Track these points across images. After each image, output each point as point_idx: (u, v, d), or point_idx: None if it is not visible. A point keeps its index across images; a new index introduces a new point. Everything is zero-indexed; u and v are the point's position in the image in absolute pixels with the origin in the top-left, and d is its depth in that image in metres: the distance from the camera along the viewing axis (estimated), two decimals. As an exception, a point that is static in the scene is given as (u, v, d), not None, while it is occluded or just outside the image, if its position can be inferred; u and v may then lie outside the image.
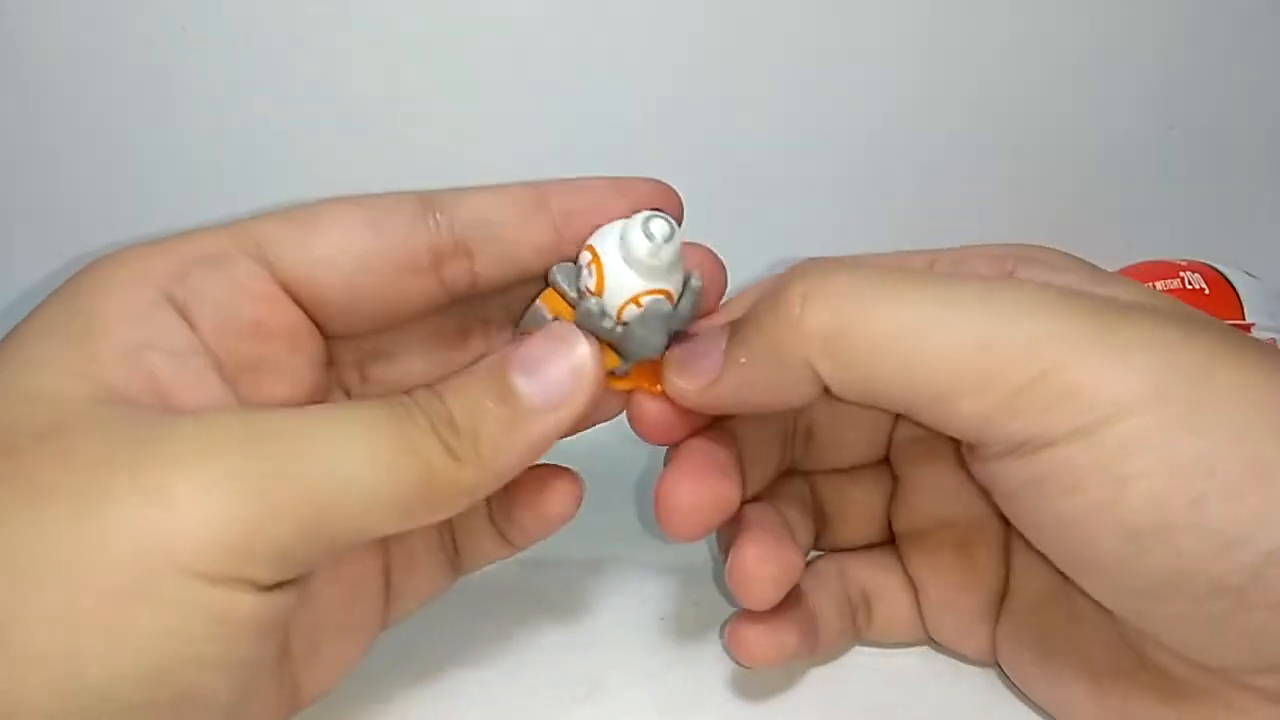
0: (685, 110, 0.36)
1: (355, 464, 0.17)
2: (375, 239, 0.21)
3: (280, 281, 0.20)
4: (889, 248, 0.24)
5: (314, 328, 0.21)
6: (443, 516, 0.19)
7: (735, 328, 0.21)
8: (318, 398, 0.22)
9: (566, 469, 0.24)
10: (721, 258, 0.24)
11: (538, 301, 0.22)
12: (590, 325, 0.21)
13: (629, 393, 0.23)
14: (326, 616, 0.22)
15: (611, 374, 0.22)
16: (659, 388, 0.22)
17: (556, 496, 0.24)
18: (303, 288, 0.21)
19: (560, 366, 0.20)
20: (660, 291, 0.21)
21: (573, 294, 0.22)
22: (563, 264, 0.22)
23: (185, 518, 0.16)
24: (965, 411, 0.19)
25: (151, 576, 0.16)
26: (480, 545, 0.25)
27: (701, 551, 0.30)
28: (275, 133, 0.35)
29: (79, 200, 0.35)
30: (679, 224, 0.22)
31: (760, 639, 0.24)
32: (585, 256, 0.22)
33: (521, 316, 0.23)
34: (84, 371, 0.18)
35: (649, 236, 0.21)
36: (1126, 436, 0.18)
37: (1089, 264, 0.23)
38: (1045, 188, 0.39)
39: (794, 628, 0.24)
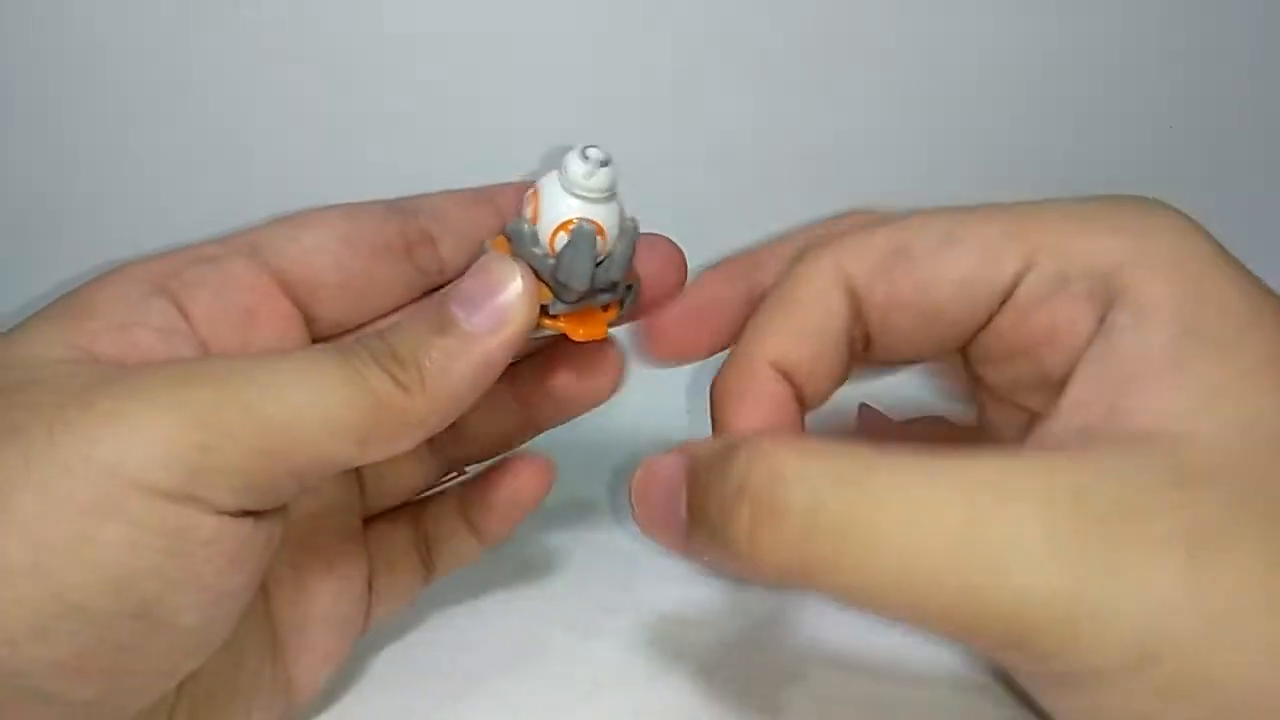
0: (685, 110, 0.36)
1: (305, 392, 0.19)
2: (353, 226, 0.23)
3: (273, 272, 0.22)
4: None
5: (303, 324, 0.23)
6: (400, 448, 0.20)
7: (691, 513, 0.20)
8: None
9: (538, 454, 0.25)
10: (683, 249, 0.25)
11: (486, 243, 0.23)
12: (522, 250, 0.22)
13: (560, 336, 0.23)
14: (315, 606, 0.24)
15: (544, 310, 0.22)
16: (583, 334, 0.23)
17: (528, 475, 0.25)
18: (295, 274, 0.22)
19: (492, 289, 0.21)
20: (591, 222, 0.22)
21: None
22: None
23: (140, 437, 0.17)
24: (959, 643, 0.19)
25: (113, 492, 0.17)
26: (452, 541, 0.26)
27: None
28: (279, 139, 0.35)
29: (88, 205, 0.36)
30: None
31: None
32: (529, 191, 0.22)
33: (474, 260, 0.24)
34: (69, 341, 0.19)
35: (584, 158, 0.21)
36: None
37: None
38: (1045, 187, 0.39)
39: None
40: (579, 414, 0.27)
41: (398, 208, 0.24)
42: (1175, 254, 0.20)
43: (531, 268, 0.21)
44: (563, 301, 0.22)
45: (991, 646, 0.18)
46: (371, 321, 0.24)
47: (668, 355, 0.26)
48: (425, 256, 0.24)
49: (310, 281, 0.23)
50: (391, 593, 0.25)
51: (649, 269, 0.24)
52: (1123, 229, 0.20)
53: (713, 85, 0.36)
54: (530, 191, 0.22)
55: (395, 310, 0.24)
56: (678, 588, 0.28)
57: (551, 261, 0.22)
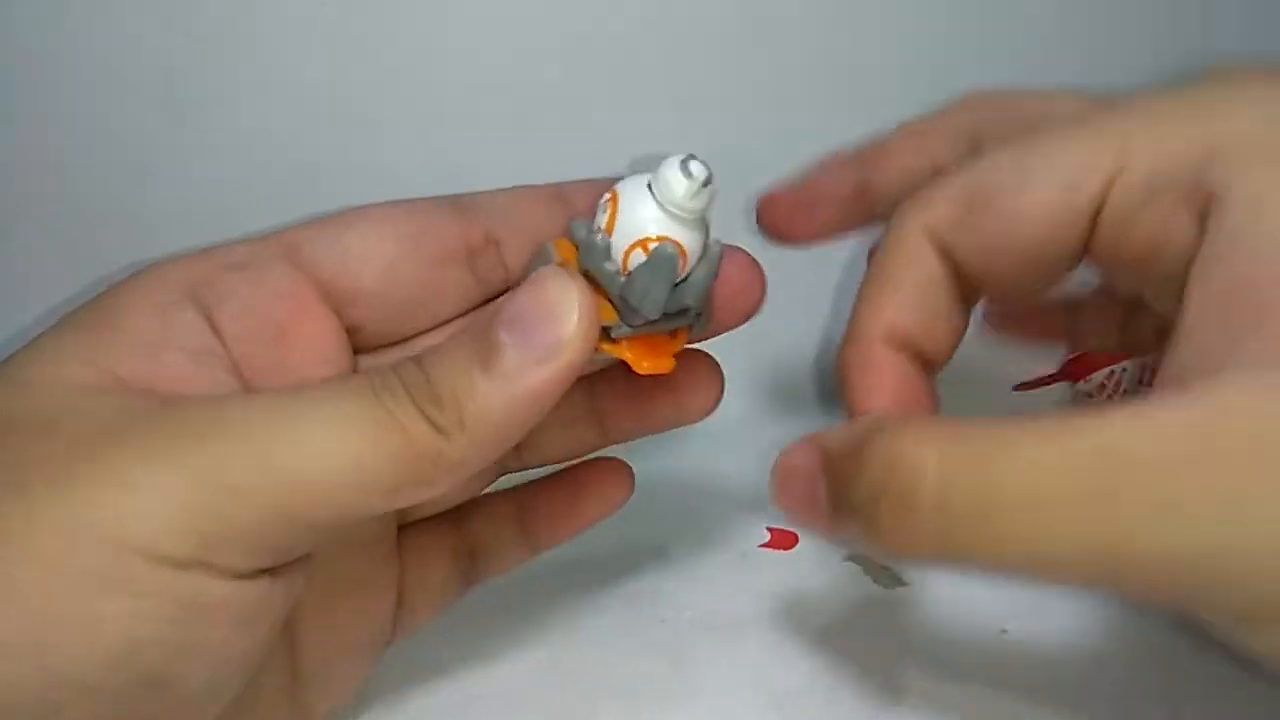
0: (684, 110, 0.36)
1: (328, 440, 0.17)
2: (405, 227, 0.21)
3: (314, 281, 0.20)
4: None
5: (344, 337, 0.21)
6: (434, 493, 0.18)
7: (834, 503, 0.19)
8: None
9: (614, 458, 0.24)
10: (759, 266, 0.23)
11: (548, 245, 0.20)
12: (592, 265, 0.19)
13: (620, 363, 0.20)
14: (342, 635, 0.22)
15: (606, 333, 0.19)
16: (648, 367, 0.20)
17: (609, 482, 0.24)
18: (338, 284, 0.20)
19: (548, 315, 0.18)
20: (675, 243, 0.19)
21: (582, 234, 0.20)
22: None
23: (144, 502, 0.16)
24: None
25: (116, 561, 0.15)
26: (502, 549, 0.24)
27: (710, 556, 0.30)
28: (286, 138, 0.35)
29: (96, 208, 0.35)
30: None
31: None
32: (605, 196, 0.20)
33: (530, 263, 0.21)
34: (93, 360, 0.18)
35: (687, 173, 0.19)
36: None
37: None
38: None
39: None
40: (665, 430, 0.24)
41: (459, 205, 0.21)
42: (1272, 135, 0.17)
43: (596, 283, 0.19)
44: (628, 325, 0.20)
45: (1156, 601, 0.18)
46: (424, 333, 0.22)
47: (777, 238, 0.26)
48: (487, 264, 0.22)
49: (353, 290, 0.20)
50: (423, 606, 0.24)
51: (723, 290, 0.22)
52: (1206, 116, 0.18)
53: (714, 84, 0.36)
54: (608, 196, 0.19)
55: (450, 321, 0.22)
56: (687, 593, 0.28)
57: (622, 280, 0.19)
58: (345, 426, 0.17)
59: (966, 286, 0.22)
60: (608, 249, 0.19)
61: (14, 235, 0.34)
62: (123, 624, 0.16)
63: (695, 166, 0.19)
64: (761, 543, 0.31)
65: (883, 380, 0.21)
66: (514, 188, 0.22)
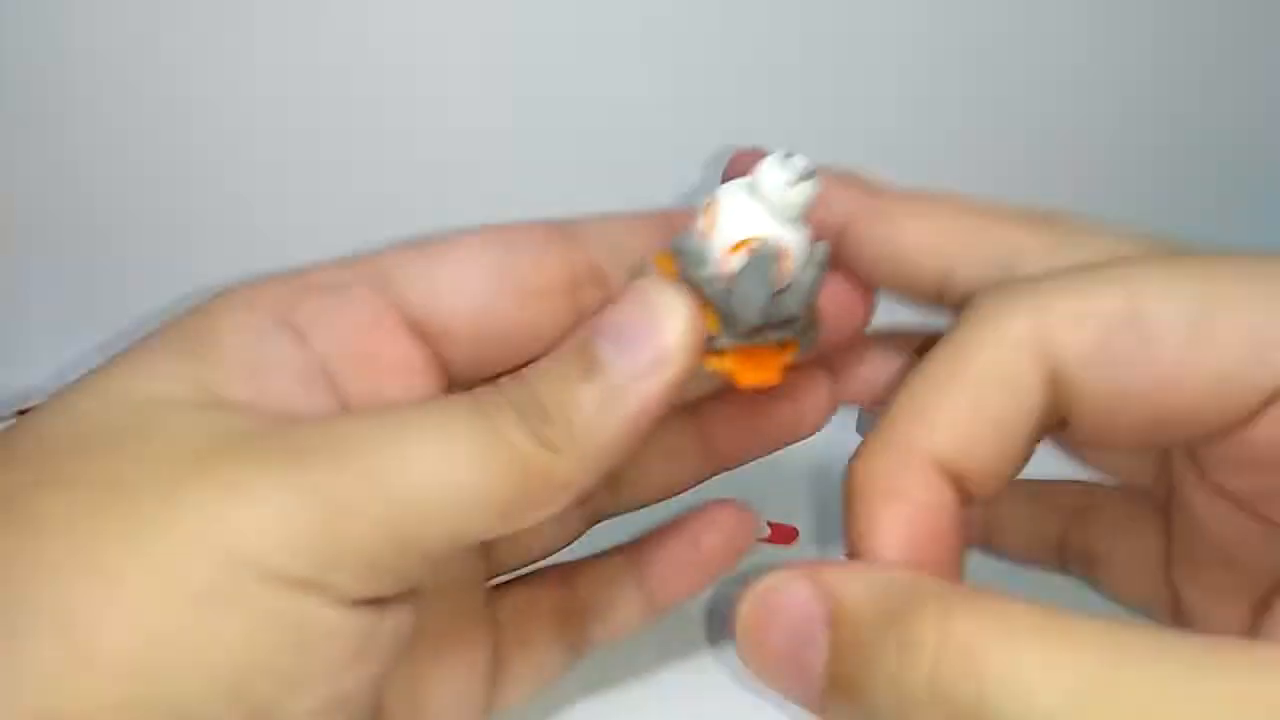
0: (684, 110, 0.36)
1: (438, 460, 0.16)
2: (506, 260, 0.19)
3: (405, 312, 0.19)
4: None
5: (437, 365, 0.20)
6: (545, 514, 0.17)
7: (836, 681, 0.15)
8: None
9: (729, 500, 0.22)
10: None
11: (649, 260, 0.19)
12: (689, 271, 0.18)
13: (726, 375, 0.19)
14: (431, 700, 0.20)
15: (710, 343, 0.18)
16: (753, 379, 0.19)
17: (731, 525, 0.22)
18: (429, 316, 0.19)
19: (651, 324, 0.17)
20: (775, 243, 0.18)
21: (680, 243, 0.19)
22: None
23: (259, 516, 0.15)
24: None
25: (233, 578, 0.15)
26: (616, 609, 0.23)
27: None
28: (286, 139, 0.35)
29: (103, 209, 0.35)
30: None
31: None
32: (704, 202, 0.19)
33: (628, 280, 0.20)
34: (194, 378, 0.17)
35: (786, 166, 0.18)
36: None
37: None
38: (1044, 187, 0.39)
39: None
40: (772, 451, 0.23)
41: (563, 233, 0.20)
42: None
43: (699, 291, 0.18)
44: (730, 335, 0.18)
45: None
46: (517, 363, 0.20)
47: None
48: (592, 297, 0.20)
49: (444, 327, 0.19)
50: (525, 674, 0.22)
51: (827, 305, 0.20)
52: None
53: (715, 85, 0.36)
54: (707, 202, 0.19)
55: (546, 351, 0.21)
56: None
57: (723, 286, 0.18)
58: (452, 444, 0.16)
59: (1050, 424, 0.18)
60: (705, 253, 0.18)
61: (13, 235, 0.34)
62: (235, 647, 0.15)
63: (797, 159, 0.18)
64: (761, 537, 0.31)
65: (915, 516, 0.17)
66: (621, 214, 0.21)
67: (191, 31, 0.33)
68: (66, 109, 0.34)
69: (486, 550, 0.22)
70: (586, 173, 0.35)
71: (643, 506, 0.23)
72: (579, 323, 0.19)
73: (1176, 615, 0.21)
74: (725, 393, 0.22)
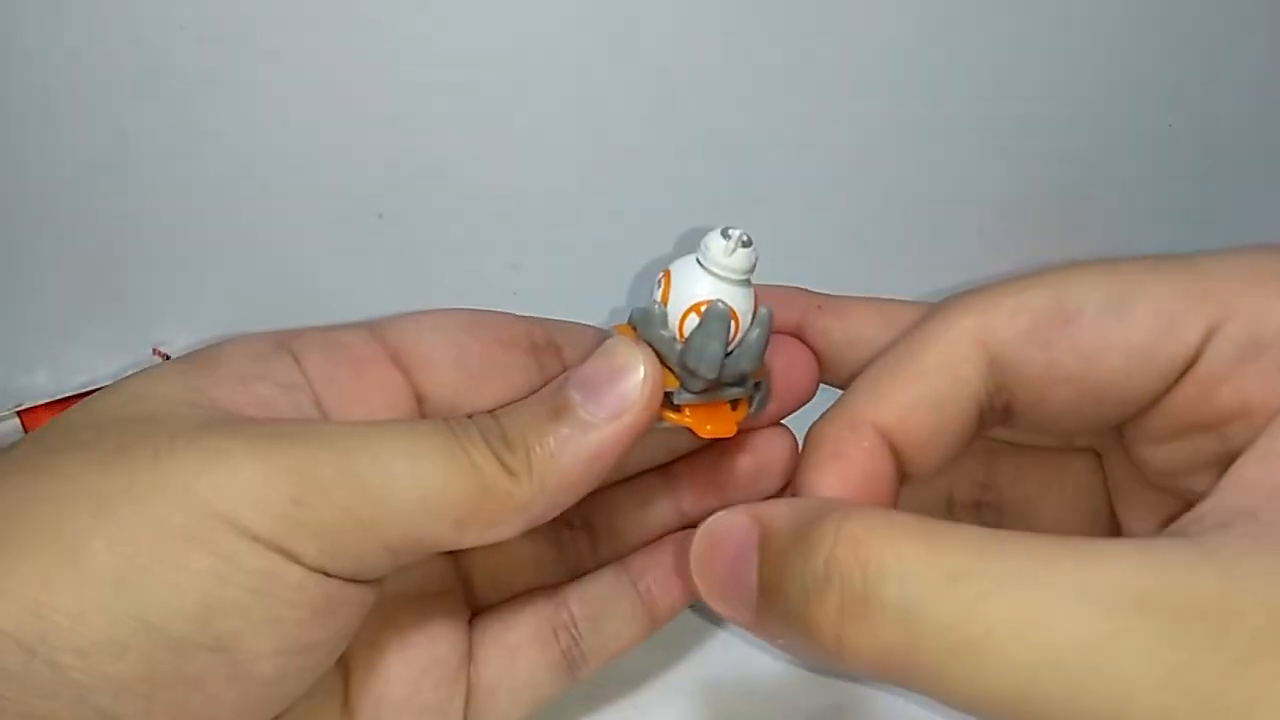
0: (685, 108, 0.36)
1: (405, 462, 0.18)
2: (479, 316, 0.23)
3: (390, 346, 0.22)
4: (887, 247, 0.24)
5: (414, 397, 0.22)
6: (500, 535, 0.19)
7: (763, 590, 0.17)
8: None
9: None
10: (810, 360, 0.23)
11: (611, 328, 0.22)
12: (649, 334, 0.20)
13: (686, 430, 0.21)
14: (391, 689, 0.22)
15: (668, 399, 0.20)
16: (711, 431, 0.21)
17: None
18: (409, 350, 0.22)
19: (615, 374, 0.19)
20: (724, 303, 0.20)
21: (640, 309, 0.21)
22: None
23: (238, 477, 0.17)
24: None
25: (206, 524, 0.17)
26: (612, 621, 0.24)
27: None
28: (286, 139, 0.35)
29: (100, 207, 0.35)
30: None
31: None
32: (659, 275, 0.21)
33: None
34: (194, 385, 0.19)
35: (725, 236, 0.20)
36: None
37: None
38: (1044, 187, 0.39)
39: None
40: (745, 498, 0.24)
41: (526, 317, 0.23)
42: None
43: (658, 353, 0.20)
44: (689, 391, 0.21)
45: None
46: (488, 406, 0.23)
47: None
48: (549, 360, 0.23)
49: (423, 357, 0.22)
50: (517, 688, 0.23)
51: (775, 369, 0.22)
52: None
53: (715, 84, 0.36)
54: (661, 274, 0.21)
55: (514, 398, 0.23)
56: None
57: (680, 346, 0.20)
58: (420, 457, 0.18)
59: (999, 408, 0.20)
60: (664, 317, 0.20)
61: (13, 235, 0.34)
62: (205, 580, 0.17)
63: (734, 230, 0.20)
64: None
65: (853, 473, 0.19)
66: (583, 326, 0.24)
67: (192, 32, 0.33)
68: (67, 109, 0.34)
69: (464, 576, 0.24)
70: (583, 178, 0.35)
71: (618, 558, 0.25)
72: (540, 379, 0.22)
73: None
74: (694, 452, 0.24)
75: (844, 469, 0.20)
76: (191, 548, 0.17)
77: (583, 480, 0.19)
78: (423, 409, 0.22)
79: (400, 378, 0.21)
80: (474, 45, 0.35)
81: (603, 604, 0.24)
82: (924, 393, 0.20)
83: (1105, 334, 0.19)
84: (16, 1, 0.32)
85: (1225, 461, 0.18)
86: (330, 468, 0.18)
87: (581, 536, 0.25)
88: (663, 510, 0.25)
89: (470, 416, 0.20)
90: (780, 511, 0.18)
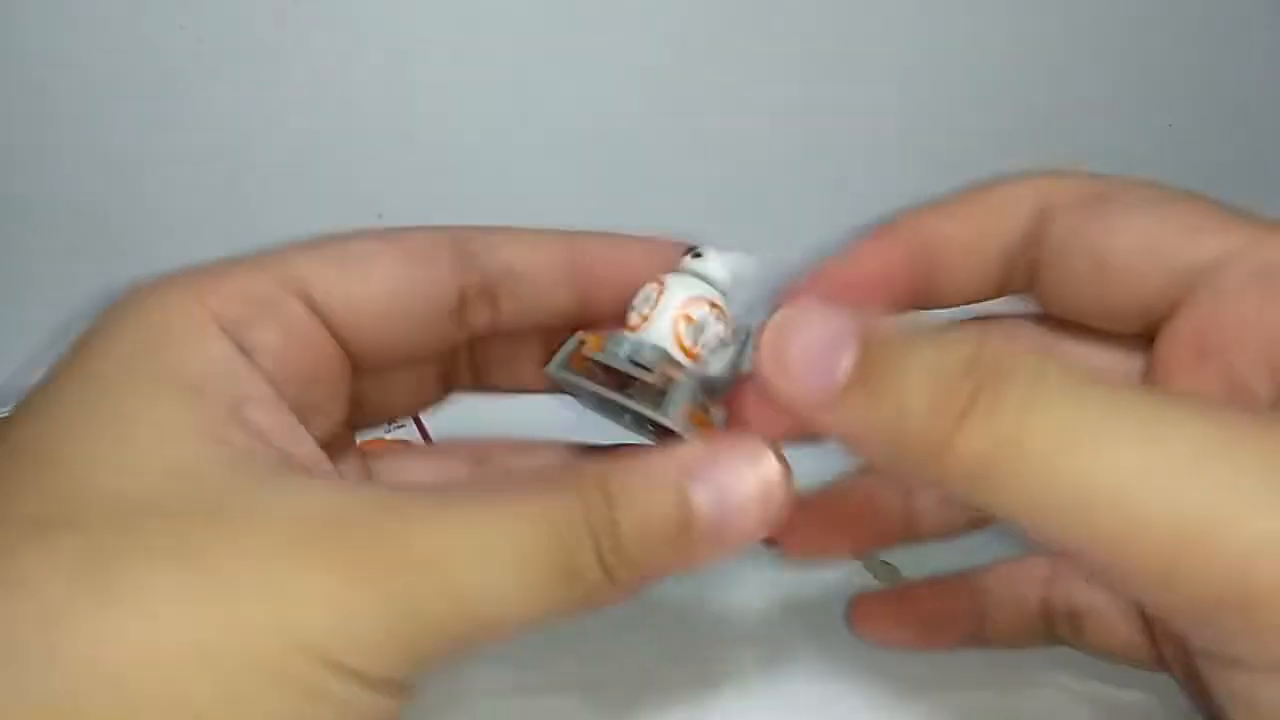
0: (682, 108, 0.36)
1: (507, 579, 0.17)
2: (413, 287, 0.21)
3: (324, 318, 0.20)
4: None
5: (349, 368, 0.21)
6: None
7: (863, 378, 0.17)
8: (343, 430, 0.22)
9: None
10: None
11: (581, 335, 0.21)
12: (628, 354, 0.20)
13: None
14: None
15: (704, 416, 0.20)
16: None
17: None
18: (345, 330, 0.20)
19: (752, 507, 0.18)
20: (714, 305, 0.20)
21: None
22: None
23: (334, 612, 0.16)
24: (1148, 599, 0.16)
25: (296, 659, 0.15)
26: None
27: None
28: (285, 138, 0.35)
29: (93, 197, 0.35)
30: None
31: (880, 623, 0.25)
32: (650, 288, 0.21)
33: (554, 356, 0.22)
34: (208, 433, 0.17)
35: (720, 249, 0.21)
36: None
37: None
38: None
39: (916, 624, 0.24)
40: None
41: (466, 248, 0.21)
42: None
43: (613, 371, 0.20)
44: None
45: (1189, 602, 0.15)
46: (401, 367, 0.22)
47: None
48: (479, 316, 0.22)
49: (357, 342, 0.21)
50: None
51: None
52: None
53: (715, 83, 0.36)
54: (649, 290, 0.21)
55: (428, 358, 0.23)
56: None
57: (702, 369, 0.20)
58: (526, 565, 0.17)
59: (1025, 267, 0.22)
60: (665, 352, 0.20)
61: (13, 234, 0.34)
62: (291, 715, 0.16)
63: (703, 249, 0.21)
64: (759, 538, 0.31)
65: (878, 258, 0.22)
66: (526, 235, 0.22)
67: (192, 32, 0.33)
68: (69, 110, 0.34)
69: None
70: (585, 178, 0.35)
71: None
72: (462, 335, 0.22)
73: (1159, 663, 0.23)
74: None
75: (874, 253, 0.21)
76: (281, 684, 0.15)
77: (661, 579, 0.18)
78: (352, 362, 0.21)
79: (343, 360, 0.21)
80: (474, 46, 0.35)
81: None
82: (978, 216, 0.22)
83: (1131, 218, 0.20)
84: (17, 1, 0.32)
85: (1235, 395, 0.19)
86: (433, 590, 0.16)
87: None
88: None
89: (586, 503, 0.17)
90: (880, 321, 0.18)
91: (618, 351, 0.20)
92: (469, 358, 0.25)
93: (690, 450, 0.18)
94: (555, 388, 0.23)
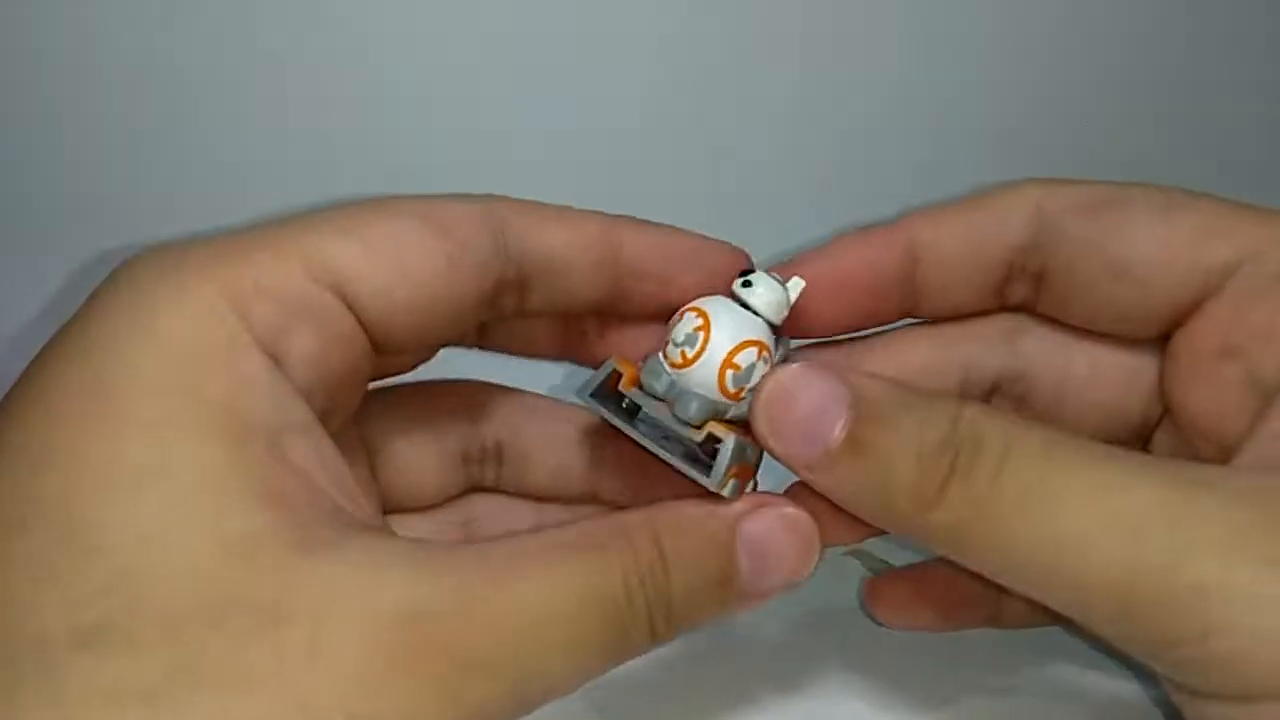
0: (683, 109, 0.36)
1: (562, 664, 0.17)
2: (453, 287, 0.19)
3: (359, 319, 0.19)
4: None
5: (373, 361, 0.20)
6: None
7: (853, 444, 0.19)
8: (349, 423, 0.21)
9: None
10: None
11: (612, 359, 0.21)
12: (669, 389, 0.20)
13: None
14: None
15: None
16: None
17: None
18: (377, 326, 0.19)
19: (787, 567, 0.20)
20: (762, 347, 0.20)
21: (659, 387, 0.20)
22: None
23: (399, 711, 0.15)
24: (1110, 635, 0.18)
25: None
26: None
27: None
28: (284, 138, 0.35)
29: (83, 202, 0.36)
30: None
31: (900, 605, 0.25)
32: (692, 320, 0.20)
33: (586, 382, 0.21)
34: (259, 490, 0.16)
35: (769, 276, 0.21)
36: None
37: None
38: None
39: (935, 605, 0.25)
40: None
41: (503, 231, 0.20)
42: None
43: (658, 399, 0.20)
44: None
45: (1149, 638, 0.17)
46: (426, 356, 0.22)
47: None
48: (507, 303, 0.21)
49: (389, 328, 0.19)
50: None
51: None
52: None
53: (715, 83, 0.36)
54: (687, 311, 0.20)
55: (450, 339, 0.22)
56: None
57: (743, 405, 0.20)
58: (584, 654, 0.17)
59: (1026, 269, 0.21)
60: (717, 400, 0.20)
61: (13, 233, 0.34)
62: None
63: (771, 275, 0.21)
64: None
65: (863, 255, 0.22)
66: (565, 218, 0.21)
67: (193, 32, 0.33)
68: (69, 107, 0.34)
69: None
70: (586, 175, 0.35)
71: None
72: (487, 318, 0.21)
73: None
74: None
75: (874, 253, 0.21)
76: None
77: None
78: (375, 344, 0.19)
79: (371, 355, 0.19)
80: (475, 47, 0.35)
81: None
82: (968, 222, 0.21)
83: (1146, 222, 0.20)
84: (17, 2, 0.32)
85: (1254, 402, 0.19)
86: (498, 691, 0.16)
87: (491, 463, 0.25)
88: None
89: (643, 567, 0.18)
90: (867, 381, 0.19)
91: (655, 385, 0.20)
92: (478, 328, 0.24)
93: (734, 509, 0.20)
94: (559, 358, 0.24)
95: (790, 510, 0.20)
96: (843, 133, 0.37)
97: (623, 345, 0.23)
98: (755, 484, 0.21)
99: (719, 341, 0.20)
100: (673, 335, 0.20)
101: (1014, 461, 0.17)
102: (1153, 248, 0.20)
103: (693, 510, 0.19)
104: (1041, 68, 0.37)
